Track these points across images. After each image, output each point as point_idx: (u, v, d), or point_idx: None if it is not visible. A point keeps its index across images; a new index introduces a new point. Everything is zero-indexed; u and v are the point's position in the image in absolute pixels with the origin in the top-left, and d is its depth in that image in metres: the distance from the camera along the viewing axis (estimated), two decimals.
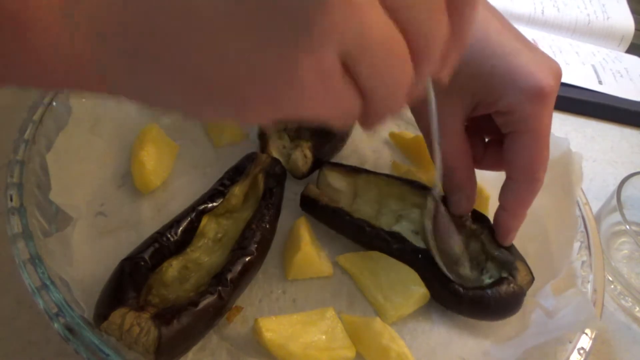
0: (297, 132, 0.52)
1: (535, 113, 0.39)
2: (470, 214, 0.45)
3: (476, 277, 0.44)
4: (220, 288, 0.36)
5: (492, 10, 0.42)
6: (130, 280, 0.35)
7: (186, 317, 0.34)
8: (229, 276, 0.37)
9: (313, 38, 0.20)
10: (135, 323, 0.33)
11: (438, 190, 0.42)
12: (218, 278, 0.37)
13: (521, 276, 0.42)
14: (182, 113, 0.25)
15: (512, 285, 0.41)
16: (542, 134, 0.39)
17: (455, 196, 0.44)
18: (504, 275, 0.43)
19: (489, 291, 0.41)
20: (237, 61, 0.21)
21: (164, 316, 0.33)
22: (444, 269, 0.42)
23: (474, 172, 0.44)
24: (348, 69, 0.22)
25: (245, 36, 0.20)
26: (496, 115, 0.41)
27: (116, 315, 0.33)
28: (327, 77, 0.21)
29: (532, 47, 0.40)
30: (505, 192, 0.42)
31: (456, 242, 0.44)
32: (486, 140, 0.46)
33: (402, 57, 0.22)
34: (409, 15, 0.21)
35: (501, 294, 0.41)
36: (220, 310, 0.37)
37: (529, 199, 0.42)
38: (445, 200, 0.44)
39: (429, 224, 0.42)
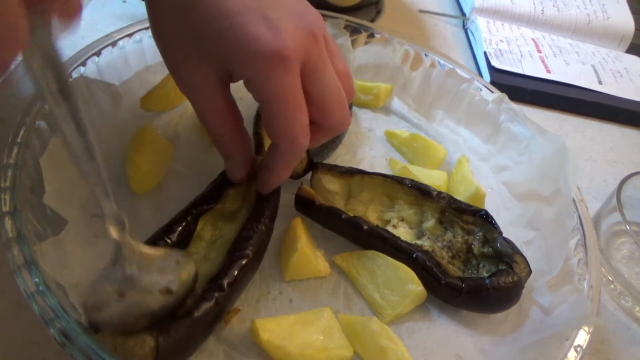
0: None
1: (275, 79, 0.34)
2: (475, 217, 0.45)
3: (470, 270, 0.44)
4: (217, 294, 0.36)
5: None
6: None
7: (184, 326, 0.33)
8: (226, 281, 0.36)
9: None
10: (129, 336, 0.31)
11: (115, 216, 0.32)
12: (214, 283, 0.36)
13: (520, 268, 0.42)
14: None
15: (510, 276, 0.41)
16: (288, 101, 0.36)
17: (228, 163, 0.42)
18: (502, 267, 0.43)
19: (487, 281, 0.41)
20: None
21: (161, 326, 0.32)
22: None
23: (245, 137, 0.41)
24: None
25: None
26: (245, 84, 0.37)
27: (107, 334, 0.31)
28: None
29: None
30: (269, 153, 0.40)
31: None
32: None
33: None
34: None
35: (500, 284, 0.41)
36: (218, 316, 0.37)
37: (291, 161, 0.40)
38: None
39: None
